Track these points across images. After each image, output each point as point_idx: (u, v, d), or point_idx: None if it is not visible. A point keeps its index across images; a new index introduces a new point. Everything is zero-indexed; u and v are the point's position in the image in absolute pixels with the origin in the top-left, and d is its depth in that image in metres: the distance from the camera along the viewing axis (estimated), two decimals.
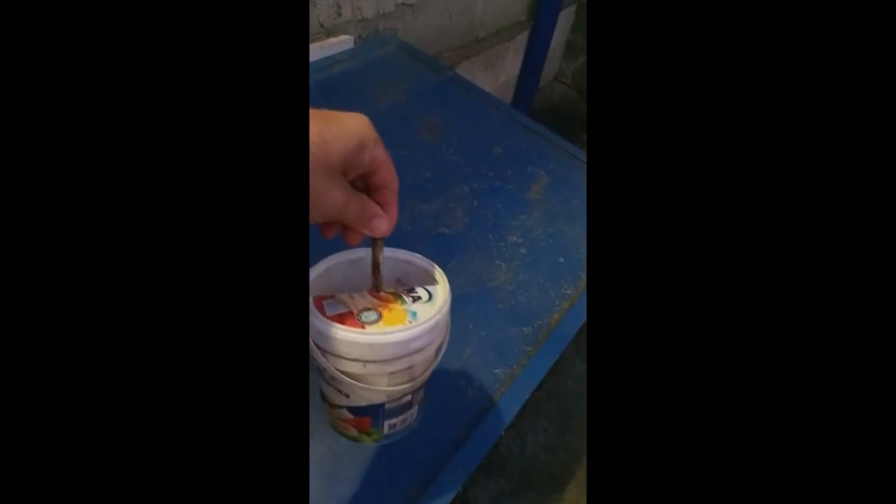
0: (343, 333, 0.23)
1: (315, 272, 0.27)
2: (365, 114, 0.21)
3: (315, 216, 0.20)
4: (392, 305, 0.26)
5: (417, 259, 0.29)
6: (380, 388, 0.26)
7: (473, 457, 0.38)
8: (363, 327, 0.24)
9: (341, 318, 0.24)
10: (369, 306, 0.26)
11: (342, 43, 0.80)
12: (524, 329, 0.48)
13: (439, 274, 0.28)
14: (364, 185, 0.23)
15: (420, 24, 1.01)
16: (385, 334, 0.23)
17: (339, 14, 0.81)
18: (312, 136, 0.18)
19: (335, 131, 0.19)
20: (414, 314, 0.25)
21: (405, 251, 0.29)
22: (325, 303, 0.25)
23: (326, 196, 0.19)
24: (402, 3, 0.92)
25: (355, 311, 0.25)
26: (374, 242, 0.26)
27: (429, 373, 0.29)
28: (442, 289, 0.27)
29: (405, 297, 0.26)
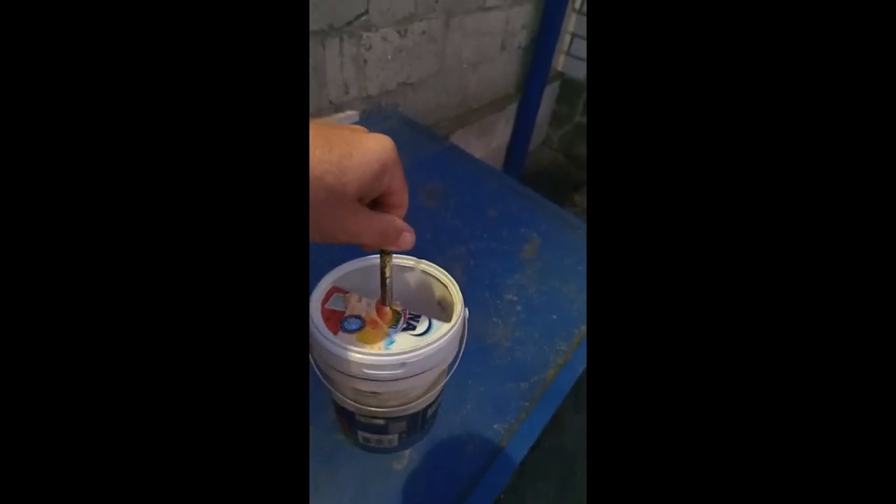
0: (315, 331, 0.24)
1: (346, 269, 0.27)
2: None
3: (330, 241, 0.20)
4: (381, 323, 0.25)
5: (439, 274, 0.30)
6: (347, 397, 0.26)
7: None
8: (337, 331, 0.24)
9: (333, 314, 0.25)
10: (361, 314, 0.26)
11: (349, 117, 0.88)
12: (521, 384, 0.50)
13: (455, 292, 0.28)
14: (375, 202, 0.23)
15: (419, 100, 1.11)
16: (340, 346, 0.23)
17: (347, 92, 0.90)
18: (331, 165, 0.18)
19: (356, 159, 0.19)
20: (390, 342, 0.24)
21: (433, 265, 0.30)
22: (333, 296, 0.26)
23: (341, 225, 0.20)
24: (403, 83, 1.02)
25: (346, 313, 0.25)
26: (382, 256, 0.25)
27: (406, 409, 0.28)
28: (444, 325, 0.26)
29: (401, 322, 0.26)
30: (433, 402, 0.32)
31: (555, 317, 0.58)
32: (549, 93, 1.62)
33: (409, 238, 0.23)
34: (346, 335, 0.25)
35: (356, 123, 0.90)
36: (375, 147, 0.19)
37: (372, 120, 0.92)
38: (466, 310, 0.28)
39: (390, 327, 0.26)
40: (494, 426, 0.46)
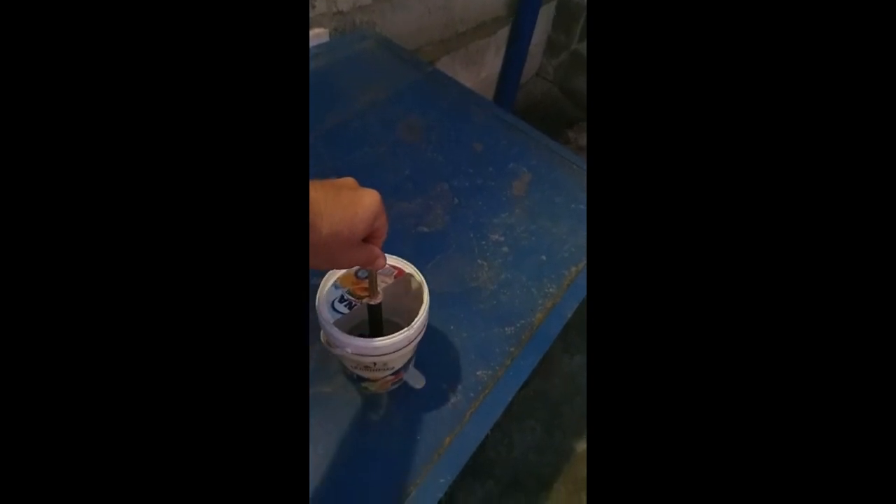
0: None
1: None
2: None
3: (337, 268, 0.32)
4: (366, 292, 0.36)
5: (414, 275, 0.37)
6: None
7: (455, 463, 0.37)
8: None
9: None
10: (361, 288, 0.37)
11: (318, 37, 0.78)
12: (507, 329, 0.47)
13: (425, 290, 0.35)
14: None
15: (398, 19, 0.99)
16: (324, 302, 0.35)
17: (314, 7, 0.78)
18: (346, 222, 0.26)
19: (360, 215, 0.26)
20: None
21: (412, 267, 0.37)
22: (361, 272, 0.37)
23: (347, 257, 0.28)
24: None
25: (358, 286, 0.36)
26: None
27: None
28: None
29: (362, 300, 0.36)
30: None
31: (544, 258, 0.54)
32: (545, 16, 1.48)
33: (381, 262, 0.31)
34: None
35: (326, 44, 0.80)
36: (372, 203, 0.27)
37: (345, 41, 0.81)
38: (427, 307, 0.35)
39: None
40: (478, 373, 0.43)
